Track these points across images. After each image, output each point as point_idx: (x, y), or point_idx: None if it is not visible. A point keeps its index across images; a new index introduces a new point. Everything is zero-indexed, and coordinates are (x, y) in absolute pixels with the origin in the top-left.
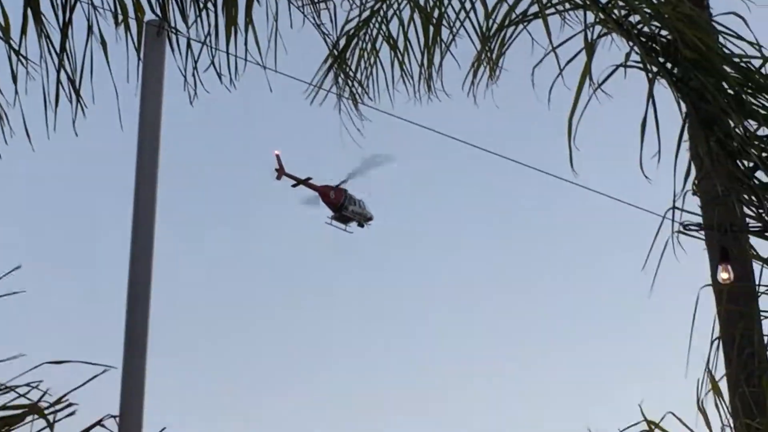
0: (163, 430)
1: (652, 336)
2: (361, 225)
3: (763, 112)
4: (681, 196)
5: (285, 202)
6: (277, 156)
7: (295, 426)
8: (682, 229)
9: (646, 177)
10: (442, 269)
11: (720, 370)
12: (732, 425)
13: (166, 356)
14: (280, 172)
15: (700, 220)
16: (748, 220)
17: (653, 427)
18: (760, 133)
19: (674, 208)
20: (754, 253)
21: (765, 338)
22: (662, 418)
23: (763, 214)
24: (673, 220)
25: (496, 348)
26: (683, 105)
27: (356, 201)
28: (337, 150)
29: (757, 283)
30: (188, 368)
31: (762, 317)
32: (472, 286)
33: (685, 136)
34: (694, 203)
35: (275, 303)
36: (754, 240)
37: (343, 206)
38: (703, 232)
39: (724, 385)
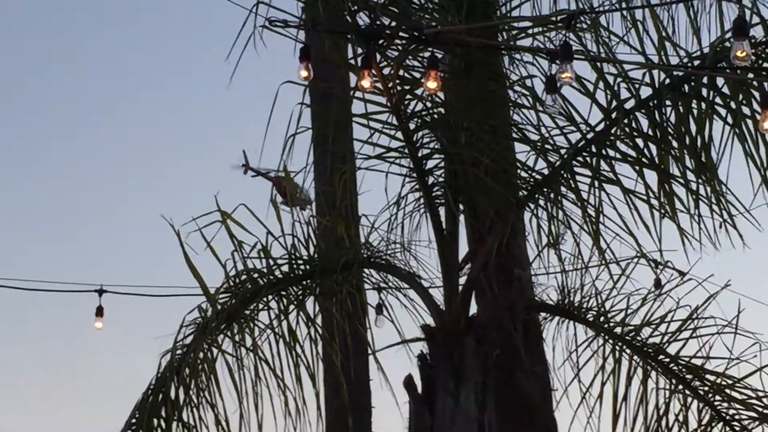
0: None
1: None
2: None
3: None
4: None
5: None
6: (244, 152)
7: None
8: (268, 24)
9: None
10: None
11: None
12: None
13: None
14: (246, 166)
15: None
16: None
17: (226, 218)
18: None
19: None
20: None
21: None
22: (234, 209)
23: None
24: (257, 14)
25: None
26: None
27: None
28: None
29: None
30: None
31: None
32: None
33: None
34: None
35: None
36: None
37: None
38: (290, 30)
39: None
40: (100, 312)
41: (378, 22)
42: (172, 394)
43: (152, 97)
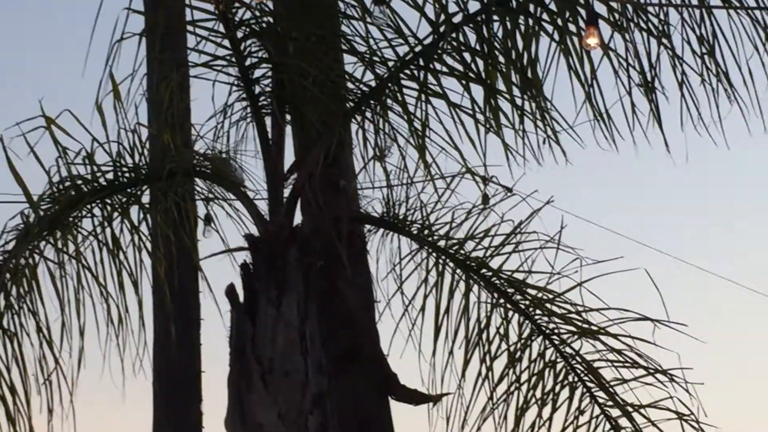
0: None
1: None
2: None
3: None
4: None
5: None
6: None
7: None
8: None
9: None
10: None
11: None
12: None
13: None
14: None
15: None
16: None
17: (50, 123)
18: None
19: None
20: None
21: None
22: (59, 115)
23: None
24: None
25: None
26: None
27: None
28: None
29: None
30: None
31: None
32: None
33: None
34: None
35: None
36: None
37: None
38: None
39: None
40: None
41: None
42: None
43: None
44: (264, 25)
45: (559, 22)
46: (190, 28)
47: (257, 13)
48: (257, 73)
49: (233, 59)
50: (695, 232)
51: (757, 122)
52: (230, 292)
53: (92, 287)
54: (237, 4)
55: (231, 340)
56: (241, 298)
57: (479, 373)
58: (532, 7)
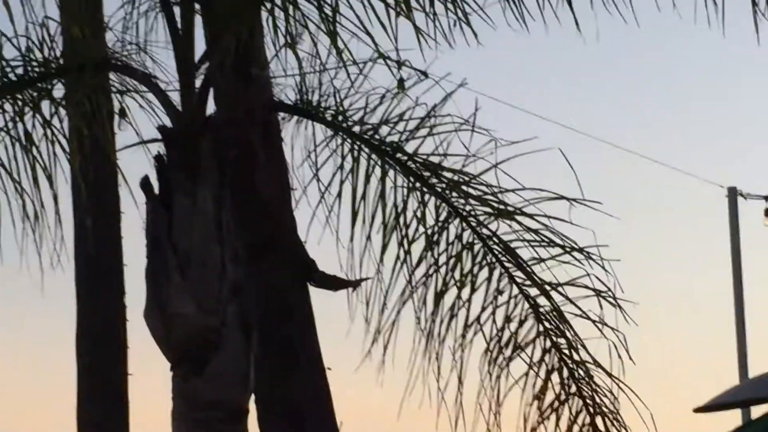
0: None
1: None
2: None
3: None
4: None
5: None
6: None
7: None
8: None
9: None
10: None
11: None
12: None
13: None
14: None
15: None
16: None
17: None
18: None
19: None
20: None
21: None
22: None
23: None
24: None
25: None
26: None
27: None
28: None
29: None
30: None
31: None
32: None
33: None
34: None
35: None
36: None
37: None
38: None
39: None
40: None
41: None
42: None
43: None
44: None
45: None
46: None
47: None
48: None
49: None
50: (607, 109)
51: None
52: (145, 184)
53: (6, 183)
54: None
55: (147, 233)
56: (157, 190)
57: (397, 257)
58: None
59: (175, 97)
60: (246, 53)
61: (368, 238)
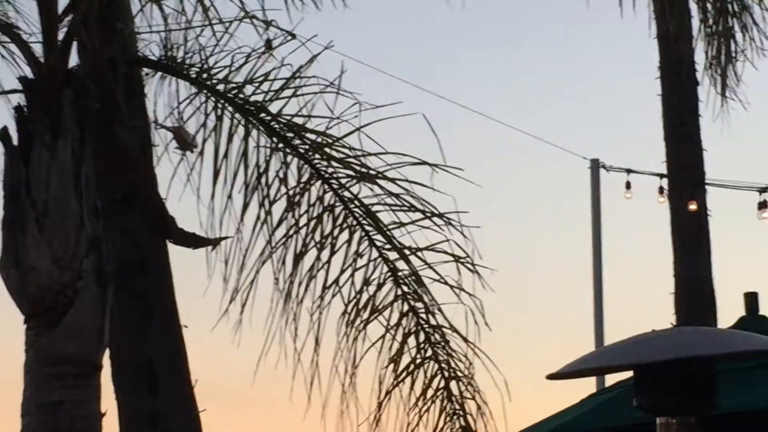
0: None
1: None
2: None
3: None
4: None
5: None
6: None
7: None
8: None
9: None
10: None
11: None
12: None
13: None
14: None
15: None
16: None
17: None
18: None
19: None
20: None
21: None
22: None
23: None
24: None
25: None
26: None
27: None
28: None
29: None
30: None
31: None
32: None
33: None
34: None
35: None
36: None
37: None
38: None
39: None
40: None
41: None
42: None
43: None
44: None
45: None
46: None
47: None
48: None
49: None
50: (474, 77)
51: None
52: (3, 134)
53: None
54: None
55: (5, 184)
56: (16, 142)
57: (258, 217)
58: None
59: (38, 49)
60: (110, 6)
61: (229, 197)
